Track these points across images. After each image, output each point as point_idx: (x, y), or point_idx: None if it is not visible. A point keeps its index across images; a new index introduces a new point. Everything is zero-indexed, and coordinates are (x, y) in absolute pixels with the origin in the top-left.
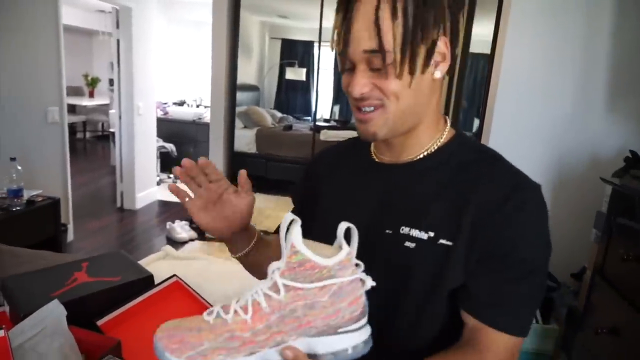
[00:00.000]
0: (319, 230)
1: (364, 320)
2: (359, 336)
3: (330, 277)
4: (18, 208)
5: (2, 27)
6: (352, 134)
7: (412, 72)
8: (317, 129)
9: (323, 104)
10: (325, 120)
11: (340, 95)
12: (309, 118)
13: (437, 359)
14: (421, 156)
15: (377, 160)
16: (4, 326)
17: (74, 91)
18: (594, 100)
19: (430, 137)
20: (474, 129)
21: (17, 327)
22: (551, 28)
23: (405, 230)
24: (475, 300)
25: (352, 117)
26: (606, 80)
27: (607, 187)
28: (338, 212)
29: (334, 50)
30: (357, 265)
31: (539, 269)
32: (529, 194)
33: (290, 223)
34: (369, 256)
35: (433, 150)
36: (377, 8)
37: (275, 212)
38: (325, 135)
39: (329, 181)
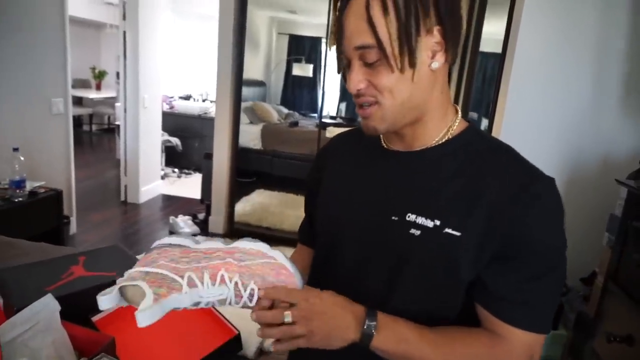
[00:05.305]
0: (321, 213)
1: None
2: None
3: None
4: (20, 199)
5: (8, 19)
6: None
7: (412, 65)
8: (323, 126)
9: (329, 101)
10: (332, 118)
11: (346, 92)
12: (315, 115)
13: (461, 329)
14: (432, 145)
15: (387, 147)
16: None
17: (81, 84)
18: (607, 100)
19: (438, 128)
20: (482, 129)
21: (9, 321)
22: (564, 26)
23: (411, 217)
24: (493, 298)
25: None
26: (621, 79)
27: (622, 189)
28: (341, 195)
29: (330, 49)
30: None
31: (558, 262)
32: (546, 185)
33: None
34: (373, 241)
35: (445, 139)
36: (368, 4)
37: (279, 208)
38: (331, 133)
39: (335, 165)
